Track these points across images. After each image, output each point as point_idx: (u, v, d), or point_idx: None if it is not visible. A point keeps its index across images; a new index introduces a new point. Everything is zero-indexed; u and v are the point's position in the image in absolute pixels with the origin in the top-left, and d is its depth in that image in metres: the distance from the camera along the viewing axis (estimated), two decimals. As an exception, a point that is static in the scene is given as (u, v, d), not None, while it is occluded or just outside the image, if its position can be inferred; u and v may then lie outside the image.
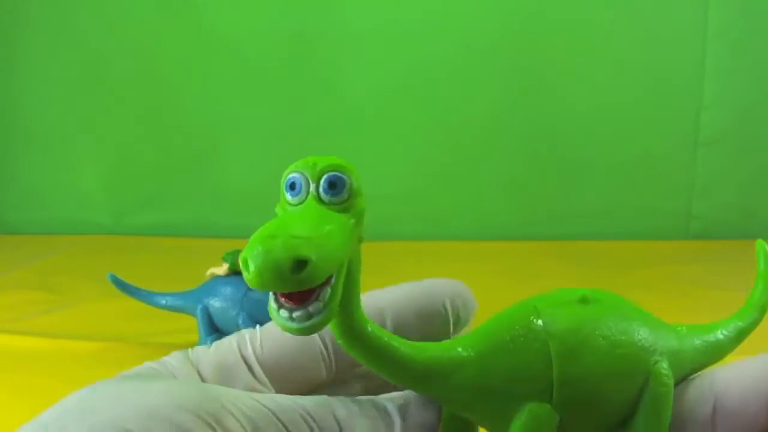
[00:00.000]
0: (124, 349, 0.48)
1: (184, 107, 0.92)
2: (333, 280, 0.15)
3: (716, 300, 0.61)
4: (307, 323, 0.15)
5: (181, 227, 0.89)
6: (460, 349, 0.19)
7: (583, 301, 0.20)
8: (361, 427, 0.17)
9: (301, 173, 0.17)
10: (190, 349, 0.21)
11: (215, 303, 0.50)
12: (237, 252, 0.47)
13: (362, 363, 0.18)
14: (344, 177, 0.17)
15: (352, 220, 0.16)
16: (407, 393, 0.19)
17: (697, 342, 0.22)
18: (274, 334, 0.21)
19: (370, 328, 0.18)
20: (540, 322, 0.19)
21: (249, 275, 0.15)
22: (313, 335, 0.19)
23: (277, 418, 0.16)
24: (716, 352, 0.22)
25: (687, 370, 0.21)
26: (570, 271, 0.72)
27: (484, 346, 0.19)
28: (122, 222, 0.94)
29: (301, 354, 0.20)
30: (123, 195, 0.94)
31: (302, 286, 0.14)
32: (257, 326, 0.21)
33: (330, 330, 0.17)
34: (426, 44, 0.89)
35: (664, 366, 0.19)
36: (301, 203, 0.17)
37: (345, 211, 0.16)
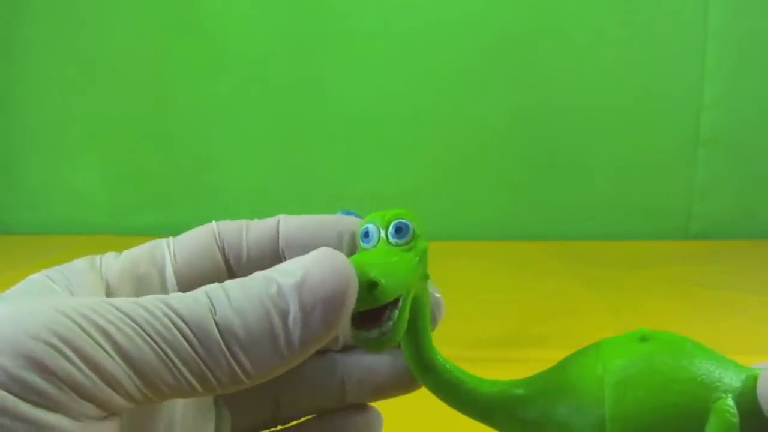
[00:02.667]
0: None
1: (184, 108, 0.92)
2: (400, 303, 0.18)
3: (716, 300, 0.61)
4: (381, 339, 0.17)
5: (181, 227, 0.88)
6: (523, 385, 0.20)
7: (643, 339, 0.20)
8: (245, 324, 0.15)
9: (374, 223, 0.20)
10: (100, 256, 0.20)
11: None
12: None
13: (433, 393, 0.20)
14: (408, 223, 0.20)
15: (416, 258, 0.19)
16: (306, 262, 0.16)
17: None
18: (187, 243, 0.20)
19: (439, 361, 0.20)
20: (599, 359, 0.20)
21: None
22: (211, 244, 0.20)
23: (142, 329, 0.14)
24: None
25: (760, 415, 0.19)
26: (570, 271, 0.72)
27: (547, 384, 0.20)
28: (122, 222, 0.94)
29: (207, 262, 0.20)
30: (123, 195, 0.94)
31: (375, 303, 0.17)
32: (171, 239, 0.20)
33: (242, 247, 0.19)
34: (427, 45, 0.89)
35: (727, 403, 0.19)
36: (373, 248, 0.20)
37: (409, 250, 0.19)
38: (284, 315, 0.15)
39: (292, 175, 0.92)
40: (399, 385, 0.22)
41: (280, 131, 0.92)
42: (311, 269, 0.16)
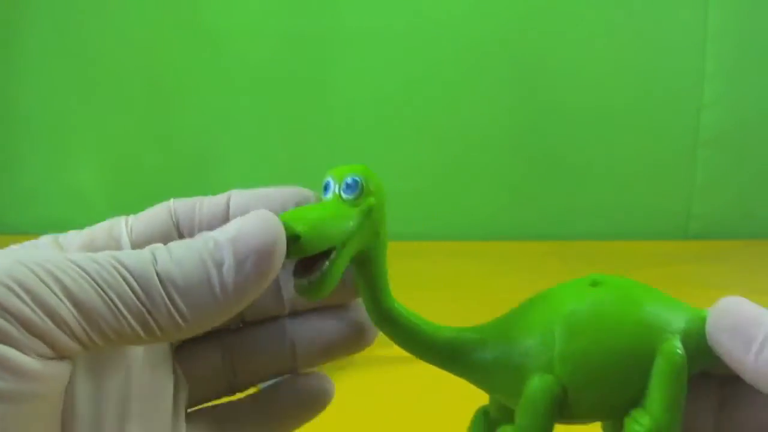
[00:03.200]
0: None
1: (184, 108, 0.92)
2: (333, 255, 0.19)
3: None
4: (309, 287, 0.19)
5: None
6: (480, 330, 0.21)
7: (594, 283, 0.21)
8: (184, 275, 0.17)
9: (332, 177, 0.21)
10: (62, 234, 0.21)
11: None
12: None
13: (393, 341, 0.21)
14: (357, 179, 0.21)
15: (359, 213, 0.20)
16: (241, 220, 0.18)
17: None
18: (144, 219, 0.21)
19: (397, 310, 0.21)
20: (550, 303, 0.21)
21: None
22: (167, 220, 0.21)
23: (90, 277, 0.16)
24: None
25: (708, 354, 0.20)
26: (570, 271, 0.72)
27: (502, 328, 0.21)
28: (122, 222, 0.93)
29: (162, 237, 0.20)
30: (122, 195, 0.94)
31: (299, 254, 0.18)
32: (130, 215, 0.22)
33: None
34: (426, 45, 0.89)
35: (674, 343, 0.20)
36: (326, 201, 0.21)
37: (357, 206, 0.20)
38: (219, 264, 0.17)
39: (293, 174, 0.92)
40: (347, 343, 0.23)
41: (280, 131, 0.92)
42: (244, 225, 0.18)
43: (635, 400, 0.20)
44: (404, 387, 0.26)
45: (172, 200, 0.21)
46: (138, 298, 0.16)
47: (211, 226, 0.20)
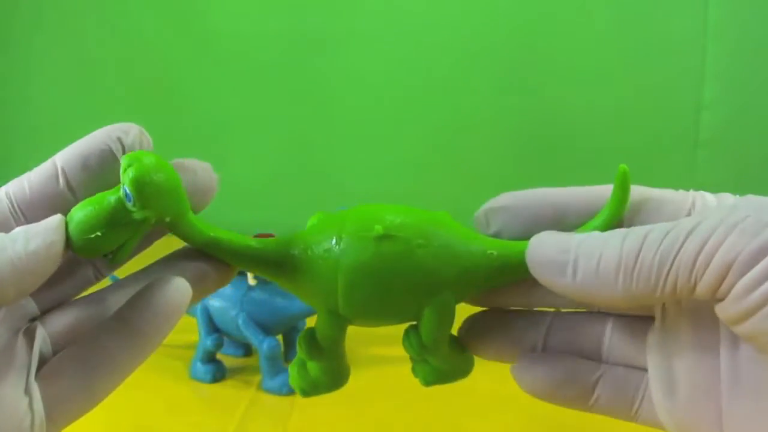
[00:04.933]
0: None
1: (185, 108, 0.92)
2: (116, 250, 0.21)
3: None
4: (108, 264, 0.22)
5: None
6: (281, 246, 0.23)
7: (382, 239, 0.22)
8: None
9: (123, 170, 0.21)
10: None
11: (215, 303, 0.50)
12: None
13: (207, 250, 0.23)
14: (129, 193, 0.20)
15: (132, 223, 0.21)
16: (35, 224, 0.20)
17: (497, 263, 0.23)
18: (29, 178, 0.22)
19: (219, 239, 0.23)
20: (338, 248, 0.22)
21: None
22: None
23: None
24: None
25: (482, 285, 0.23)
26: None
27: (298, 249, 0.23)
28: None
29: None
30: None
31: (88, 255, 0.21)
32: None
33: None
34: (426, 46, 0.89)
35: (444, 298, 0.22)
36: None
37: (133, 213, 0.21)
38: (14, 239, 0.20)
39: (293, 174, 0.92)
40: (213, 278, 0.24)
41: (281, 130, 0.92)
42: (35, 224, 0.20)
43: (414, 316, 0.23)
44: (404, 387, 0.26)
45: (4, 186, 0.22)
46: None
47: (44, 195, 0.21)
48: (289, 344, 0.51)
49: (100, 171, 0.22)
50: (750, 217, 0.18)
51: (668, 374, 0.21)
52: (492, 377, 0.29)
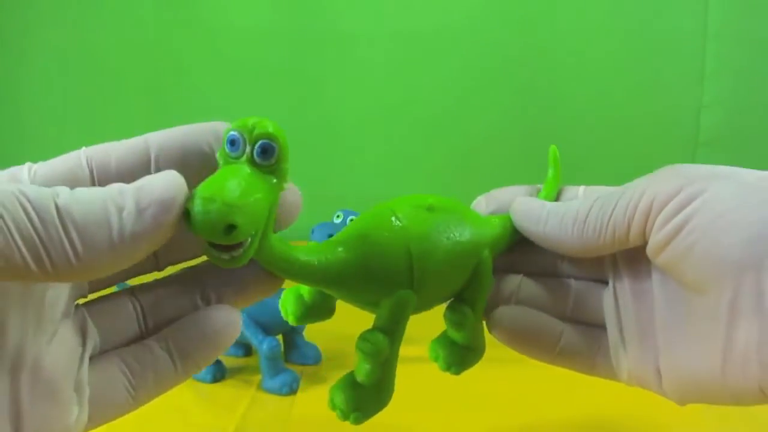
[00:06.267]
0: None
1: (184, 108, 0.92)
2: (254, 234, 0.19)
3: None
4: (232, 262, 0.19)
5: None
6: (341, 250, 0.23)
7: (430, 209, 0.25)
8: (84, 212, 0.16)
9: (239, 133, 0.20)
10: None
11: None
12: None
13: (279, 275, 0.22)
14: (274, 145, 0.20)
15: (275, 181, 0.20)
16: (149, 178, 0.18)
17: (500, 228, 0.27)
18: (51, 164, 0.20)
19: (276, 249, 0.21)
20: (399, 223, 0.24)
21: (189, 226, 0.18)
22: (75, 166, 0.20)
23: None
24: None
25: (501, 245, 0.27)
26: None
27: (359, 252, 0.23)
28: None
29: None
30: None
31: (231, 242, 0.18)
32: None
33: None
34: (426, 46, 0.89)
35: (486, 254, 0.26)
36: (238, 158, 0.19)
37: (272, 173, 0.20)
38: (120, 209, 0.17)
39: (292, 175, 0.92)
40: (259, 287, 0.23)
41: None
42: (151, 180, 0.18)
43: (458, 293, 0.26)
44: (405, 387, 0.26)
45: (83, 148, 0.21)
46: (32, 225, 0.16)
47: (129, 170, 0.20)
48: (289, 344, 0.51)
49: (196, 172, 0.20)
50: (662, 173, 0.25)
51: (619, 330, 0.25)
52: (492, 377, 0.29)
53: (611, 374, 0.26)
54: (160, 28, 0.90)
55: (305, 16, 0.89)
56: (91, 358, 0.21)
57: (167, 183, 0.18)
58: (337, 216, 0.53)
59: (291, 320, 0.26)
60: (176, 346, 0.21)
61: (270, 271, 0.22)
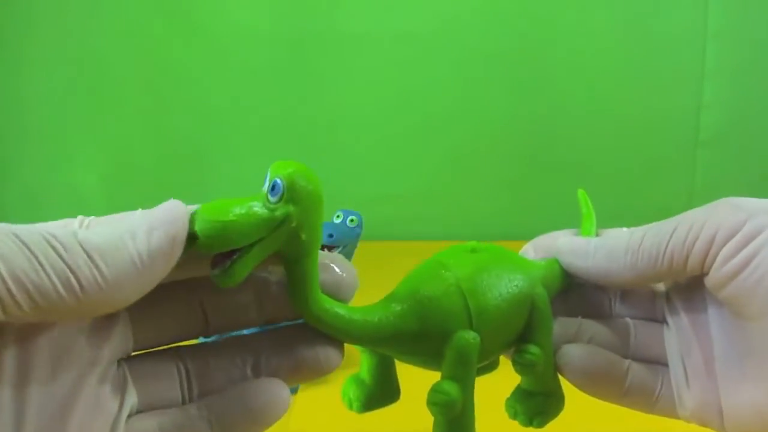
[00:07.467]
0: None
1: (183, 108, 0.92)
2: (241, 253, 0.20)
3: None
4: (219, 276, 0.20)
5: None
6: (394, 305, 0.23)
7: (473, 251, 0.26)
8: (101, 238, 0.18)
9: (270, 171, 0.21)
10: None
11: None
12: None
13: (334, 335, 0.22)
14: (280, 183, 0.20)
15: (277, 214, 0.20)
16: (155, 208, 0.20)
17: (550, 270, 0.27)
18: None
19: (328, 308, 0.22)
20: (446, 270, 0.24)
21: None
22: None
23: (20, 239, 0.17)
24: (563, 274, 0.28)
25: (553, 288, 0.27)
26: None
27: (413, 303, 0.23)
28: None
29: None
30: (123, 195, 0.94)
31: (197, 251, 0.20)
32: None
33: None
34: (426, 48, 0.89)
35: (541, 290, 0.26)
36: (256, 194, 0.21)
37: (274, 210, 0.20)
38: (133, 234, 0.19)
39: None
40: (312, 366, 0.23)
41: (280, 131, 0.92)
42: (157, 208, 0.20)
43: (521, 335, 0.25)
44: (405, 387, 0.26)
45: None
46: (59, 255, 0.17)
47: None
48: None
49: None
50: (722, 205, 0.25)
51: (682, 367, 0.25)
52: (492, 377, 0.29)
53: (672, 413, 0.26)
54: (160, 28, 0.90)
55: (305, 16, 0.89)
56: (127, 417, 0.20)
57: (170, 210, 0.20)
58: (337, 216, 0.53)
59: (356, 408, 0.25)
60: (218, 418, 0.21)
61: (325, 332, 0.22)
